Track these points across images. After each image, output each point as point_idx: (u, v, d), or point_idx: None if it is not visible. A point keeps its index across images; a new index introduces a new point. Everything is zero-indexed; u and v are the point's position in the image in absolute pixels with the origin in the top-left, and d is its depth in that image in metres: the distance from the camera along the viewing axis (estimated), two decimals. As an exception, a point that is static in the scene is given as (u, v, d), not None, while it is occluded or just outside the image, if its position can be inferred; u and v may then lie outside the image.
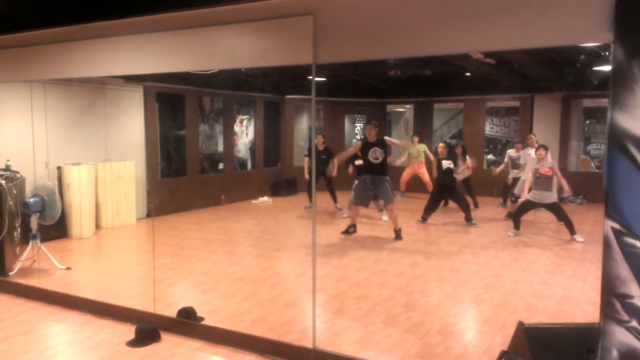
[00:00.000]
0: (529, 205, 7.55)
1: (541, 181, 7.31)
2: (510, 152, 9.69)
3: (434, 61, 9.21)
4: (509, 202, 9.19)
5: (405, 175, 11.15)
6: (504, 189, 9.90)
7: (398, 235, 7.40)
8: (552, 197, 7.30)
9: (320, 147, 9.74)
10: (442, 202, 9.99)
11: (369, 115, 14.14)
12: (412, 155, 11.03)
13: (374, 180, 7.30)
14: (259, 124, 12.27)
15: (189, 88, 10.07)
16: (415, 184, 11.18)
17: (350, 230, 7.67)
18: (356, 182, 7.92)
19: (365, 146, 7.35)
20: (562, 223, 7.61)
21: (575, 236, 7.24)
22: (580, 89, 10.83)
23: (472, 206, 9.26)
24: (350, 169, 9.11)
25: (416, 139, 11.25)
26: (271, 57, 3.84)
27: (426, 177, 10.79)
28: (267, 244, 7.54)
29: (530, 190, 7.44)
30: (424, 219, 8.68)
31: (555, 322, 4.26)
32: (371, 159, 7.27)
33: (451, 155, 9.01)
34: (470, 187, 10.08)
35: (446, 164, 8.72)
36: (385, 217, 8.47)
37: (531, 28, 2.91)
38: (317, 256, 3.91)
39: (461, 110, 13.86)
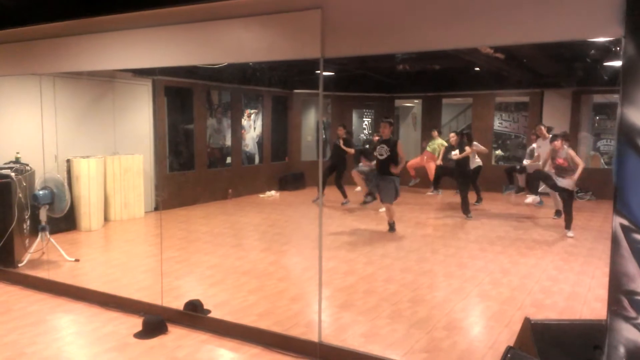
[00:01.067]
0: (551, 180, 7.38)
1: (559, 170, 7.30)
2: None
3: (443, 56, 9.14)
4: (518, 181, 9.19)
5: (413, 162, 11.08)
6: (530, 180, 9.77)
7: (392, 228, 7.52)
8: (570, 184, 7.23)
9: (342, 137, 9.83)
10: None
11: (377, 110, 14.08)
12: (431, 147, 11.01)
13: (381, 178, 7.42)
14: (266, 118, 12.27)
15: (197, 82, 10.08)
16: (424, 182, 11.11)
17: (367, 200, 7.67)
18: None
19: (378, 142, 7.49)
20: (556, 218, 7.58)
21: (568, 231, 7.23)
22: (591, 84, 10.71)
23: (472, 201, 9.32)
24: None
25: (435, 133, 11.15)
26: (279, 51, 3.83)
27: (431, 171, 10.83)
28: (274, 238, 7.56)
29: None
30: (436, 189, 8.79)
31: (562, 318, 4.24)
32: (377, 155, 7.39)
33: (461, 145, 9.05)
34: (475, 182, 10.05)
35: (454, 154, 8.88)
36: (382, 209, 8.47)
37: (541, 22, 2.88)
38: (324, 250, 3.91)
39: (470, 105, 13.76)
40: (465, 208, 8.58)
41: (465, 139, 9.57)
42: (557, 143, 7.30)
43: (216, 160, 11.33)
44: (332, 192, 10.01)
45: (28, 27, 4.94)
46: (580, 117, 11.45)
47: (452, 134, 9.21)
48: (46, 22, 4.77)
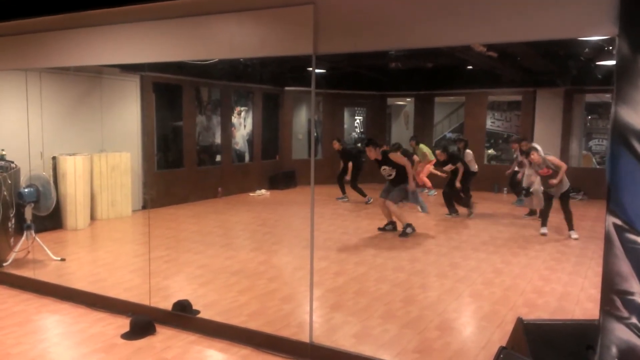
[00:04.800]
0: (547, 196, 7.39)
1: (545, 179, 7.25)
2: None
3: (436, 53, 9.14)
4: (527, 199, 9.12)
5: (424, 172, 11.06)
6: (512, 184, 9.79)
7: (394, 228, 7.48)
8: (561, 188, 7.18)
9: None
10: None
11: (369, 108, 14.06)
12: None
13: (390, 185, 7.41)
14: (257, 115, 12.19)
15: (186, 78, 9.98)
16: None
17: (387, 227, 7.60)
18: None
19: (377, 162, 7.39)
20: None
21: (572, 232, 7.20)
22: (583, 83, 10.75)
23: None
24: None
25: (413, 143, 11.04)
26: (270, 47, 3.77)
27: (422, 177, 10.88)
28: (265, 237, 7.50)
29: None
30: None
31: (554, 318, 4.23)
32: (385, 176, 7.37)
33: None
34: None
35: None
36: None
37: (535, 20, 2.85)
38: (315, 250, 3.87)
39: (462, 104, 13.78)
40: (466, 203, 8.63)
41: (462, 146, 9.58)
42: (533, 156, 7.19)
43: (206, 158, 11.24)
44: (322, 191, 9.98)
45: (14, 21, 4.84)
46: (573, 116, 11.50)
47: (438, 152, 8.97)
48: (32, 16, 4.67)
